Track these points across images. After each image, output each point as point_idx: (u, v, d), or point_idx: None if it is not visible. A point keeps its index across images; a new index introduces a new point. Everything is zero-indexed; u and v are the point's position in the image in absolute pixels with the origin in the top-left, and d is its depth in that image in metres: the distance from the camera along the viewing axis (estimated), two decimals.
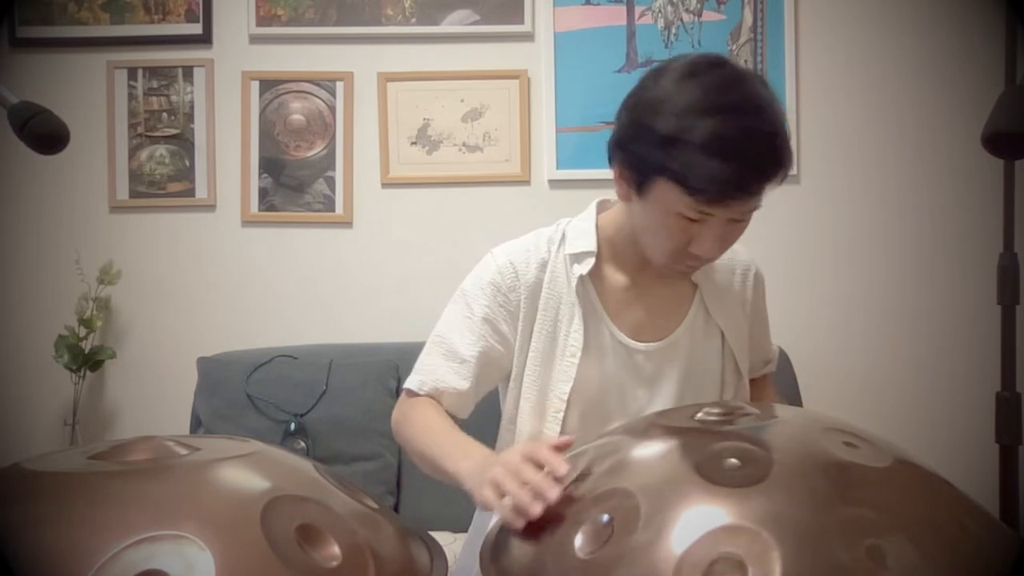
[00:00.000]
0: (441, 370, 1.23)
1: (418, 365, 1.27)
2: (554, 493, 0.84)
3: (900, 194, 2.53)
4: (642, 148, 1.09)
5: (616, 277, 1.26)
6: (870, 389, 2.49)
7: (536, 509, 0.84)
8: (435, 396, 1.23)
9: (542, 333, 1.24)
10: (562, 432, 1.22)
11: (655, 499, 0.77)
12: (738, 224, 1.12)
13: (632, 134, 1.10)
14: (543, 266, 1.25)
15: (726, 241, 1.13)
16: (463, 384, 1.22)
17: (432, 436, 1.16)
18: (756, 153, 1.03)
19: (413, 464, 1.24)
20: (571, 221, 1.30)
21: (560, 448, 0.93)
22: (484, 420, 1.28)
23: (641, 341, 1.24)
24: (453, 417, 1.22)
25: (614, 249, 1.26)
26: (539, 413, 1.23)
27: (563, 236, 1.27)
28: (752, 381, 1.38)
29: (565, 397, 1.22)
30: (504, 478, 0.90)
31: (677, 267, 1.17)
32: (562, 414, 1.22)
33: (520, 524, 0.85)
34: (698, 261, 1.15)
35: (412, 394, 1.25)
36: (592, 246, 1.24)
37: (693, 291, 1.28)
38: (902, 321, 2.51)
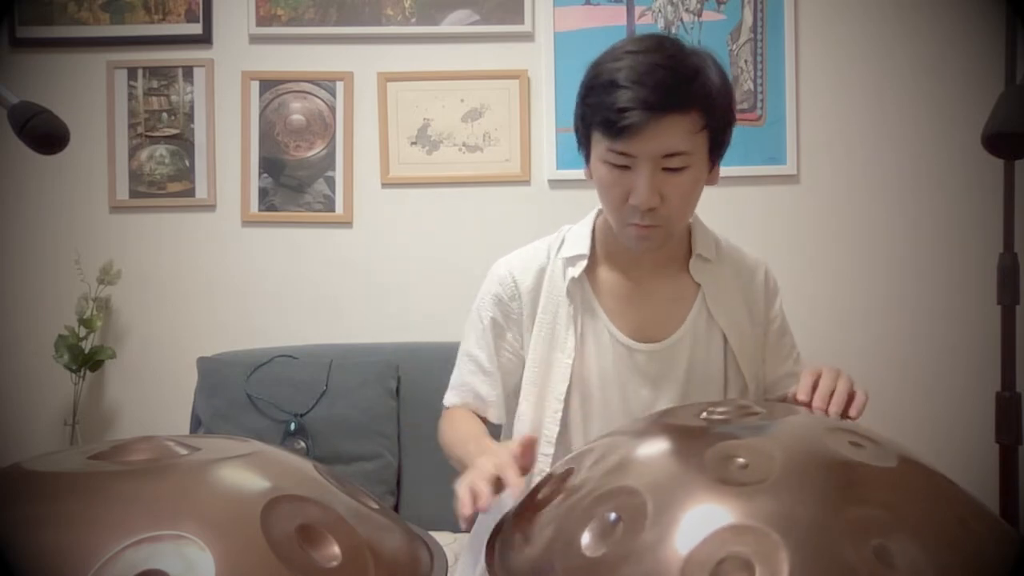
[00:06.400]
0: (471, 382, 1.30)
1: (451, 382, 1.34)
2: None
3: (900, 194, 2.52)
4: (578, 110, 1.17)
5: (613, 278, 1.28)
6: (870, 389, 2.47)
7: (467, 511, 0.89)
8: (471, 408, 1.30)
9: (541, 336, 1.26)
10: (561, 432, 1.24)
11: (662, 497, 0.77)
12: (674, 176, 1.12)
13: (576, 104, 1.18)
14: (541, 272, 1.28)
15: (660, 191, 1.12)
16: (492, 393, 1.29)
17: (462, 440, 1.21)
18: (652, 80, 1.08)
19: (413, 464, 1.25)
20: (572, 228, 1.33)
21: (526, 448, 0.99)
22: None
23: (642, 341, 1.25)
24: (489, 424, 1.28)
25: (607, 249, 1.28)
26: (538, 414, 1.26)
27: (562, 242, 1.31)
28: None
29: (562, 398, 1.24)
30: (463, 492, 0.93)
31: (629, 232, 1.18)
32: (560, 414, 1.24)
33: (462, 525, 0.91)
34: (642, 219, 1.14)
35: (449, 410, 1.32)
36: (585, 249, 1.27)
37: (696, 291, 1.27)
38: (902, 321, 2.51)
